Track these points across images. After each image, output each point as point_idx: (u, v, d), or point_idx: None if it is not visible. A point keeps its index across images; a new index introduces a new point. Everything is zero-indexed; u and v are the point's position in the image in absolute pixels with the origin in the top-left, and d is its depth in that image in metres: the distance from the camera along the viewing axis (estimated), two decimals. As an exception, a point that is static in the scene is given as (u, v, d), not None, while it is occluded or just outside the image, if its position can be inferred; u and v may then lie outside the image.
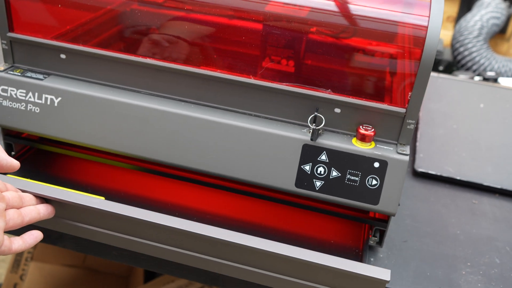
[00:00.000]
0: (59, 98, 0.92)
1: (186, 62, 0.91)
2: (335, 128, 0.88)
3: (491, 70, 1.83)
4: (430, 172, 1.21)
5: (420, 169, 1.21)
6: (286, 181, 0.88)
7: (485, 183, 1.20)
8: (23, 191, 0.81)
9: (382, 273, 0.78)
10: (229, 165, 0.89)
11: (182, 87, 0.91)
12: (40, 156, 1.05)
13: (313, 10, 0.90)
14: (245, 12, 0.92)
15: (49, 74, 0.96)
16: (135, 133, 0.91)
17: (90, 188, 0.98)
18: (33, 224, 0.81)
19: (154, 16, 0.95)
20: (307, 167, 0.87)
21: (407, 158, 0.84)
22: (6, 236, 0.73)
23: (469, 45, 1.86)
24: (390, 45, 0.88)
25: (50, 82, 0.93)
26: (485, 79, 1.72)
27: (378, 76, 0.90)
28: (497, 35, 2.08)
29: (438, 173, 1.21)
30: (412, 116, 0.84)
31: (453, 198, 1.17)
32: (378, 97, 0.87)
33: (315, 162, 0.86)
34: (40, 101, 0.93)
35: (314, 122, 0.87)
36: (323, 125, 0.87)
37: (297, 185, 0.87)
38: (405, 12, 0.85)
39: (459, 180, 1.21)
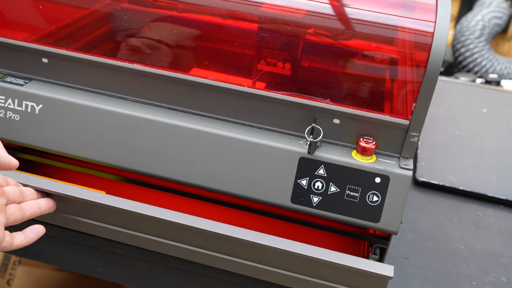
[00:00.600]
0: (41, 105, 0.87)
1: (175, 67, 0.86)
2: (333, 140, 0.83)
3: (493, 72, 1.78)
4: (432, 181, 1.16)
5: (421, 179, 1.16)
6: (282, 196, 0.82)
7: (489, 194, 1.15)
8: (24, 185, 0.80)
9: (385, 269, 0.75)
10: (220, 178, 0.83)
11: (171, 95, 0.86)
12: (21, 166, 0.99)
13: (309, 13, 0.84)
14: (238, 13, 0.86)
15: (30, 79, 0.90)
16: (121, 143, 0.85)
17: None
18: (34, 218, 0.79)
19: (141, 19, 0.89)
20: (304, 182, 0.81)
21: (410, 173, 0.79)
22: (7, 232, 0.71)
23: (471, 46, 1.81)
24: (393, 52, 0.82)
25: (31, 88, 0.87)
26: (487, 81, 1.67)
27: (380, 85, 0.85)
28: (498, 35, 2.03)
29: (441, 183, 1.16)
30: (416, 128, 0.79)
31: (456, 210, 1.12)
32: (380, 108, 0.82)
33: (312, 177, 0.81)
34: (20, 108, 0.87)
35: (311, 134, 0.81)
36: (321, 137, 0.81)
37: (293, 200, 0.82)
38: (409, 17, 0.80)
39: (462, 191, 1.16)
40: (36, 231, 0.76)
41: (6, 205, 0.72)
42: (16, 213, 0.73)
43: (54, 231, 0.89)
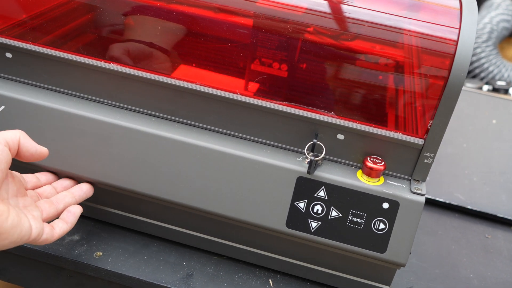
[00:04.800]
0: (2, 107, 0.76)
1: (158, 69, 0.75)
2: (337, 157, 0.73)
3: (500, 78, 1.69)
4: (438, 199, 1.07)
5: (427, 196, 1.07)
6: (275, 219, 0.72)
7: (499, 215, 1.06)
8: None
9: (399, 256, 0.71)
10: (206, 197, 0.73)
11: (153, 100, 0.76)
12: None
13: (310, 11, 0.74)
14: (231, 8, 0.76)
15: (-8, 76, 0.79)
16: (93, 153, 0.75)
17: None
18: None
19: (121, 11, 0.78)
20: (302, 204, 0.71)
21: (423, 199, 0.69)
22: (45, 224, 0.69)
23: (478, 50, 1.71)
24: (408, 60, 0.72)
25: (-7, 86, 0.77)
26: (495, 89, 1.57)
27: (391, 97, 0.74)
28: (505, 39, 1.94)
29: (447, 201, 1.07)
30: (431, 149, 0.69)
31: (463, 231, 1.02)
32: (391, 124, 0.72)
33: (312, 199, 0.71)
34: (-20, 109, 0.77)
35: (312, 151, 0.71)
36: (323, 155, 0.71)
37: (288, 225, 0.72)
38: (429, 21, 0.70)
39: (471, 210, 1.06)
40: (73, 213, 0.73)
41: (36, 202, 0.71)
42: (47, 208, 0.71)
43: (18, 249, 0.79)
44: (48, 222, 0.70)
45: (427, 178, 1.09)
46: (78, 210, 0.73)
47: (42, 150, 0.68)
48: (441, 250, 0.96)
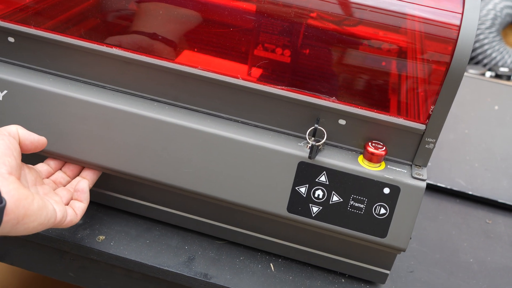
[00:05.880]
0: (5, 91, 0.76)
1: (160, 54, 0.75)
2: (338, 143, 0.73)
3: (503, 65, 1.68)
4: (439, 185, 1.07)
5: (428, 181, 1.07)
6: (277, 204, 0.73)
7: (500, 200, 1.06)
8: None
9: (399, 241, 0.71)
10: (208, 182, 0.74)
11: (156, 84, 0.76)
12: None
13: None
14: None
15: (-6, 61, 0.79)
16: (96, 138, 0.75)
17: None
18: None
19: (124, -4, 0.78)
20: (303, 189, 0.72)
21: (423, 184, 0.70)
22: (67, 206, 0.71)
23: (481, 37, 1.71)
24: (410, 45, 0.72)
25: (-4, 71, 0.77)
26: (498, 75, 1.57)
27: (393, 83, 0.74)
28: (508, 26, 1.93)
29: (449, 186, 1.07)
30: (433, 134, 0.69)
31: (464, 217, 1.03)
32: (392, 109, 0.72)
33: (313, 184, 0.71)
34: (-18, 94, 0.77)
35: (313, 136, 0.71)
36: (324, 140, 0.71)
37: (289, 209, 0.72)
38: (432, 7, 0.69)
39: (471, 195, 1.07)
40: (81, 190, 0.74)
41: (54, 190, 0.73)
42: (65, 194, 0.73)
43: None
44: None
45: (429, 164, 1.10)
46: (86, 184, 0.75)
47: (41, 138, 0.70)
48: (441, 235, 0.97)
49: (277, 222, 0.76)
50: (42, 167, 0.76)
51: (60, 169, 0.79)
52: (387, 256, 0.75)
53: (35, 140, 0.69)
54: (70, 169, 0.78)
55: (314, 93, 0.71)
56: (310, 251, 0.79)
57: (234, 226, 0.80)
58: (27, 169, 0.70)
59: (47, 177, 0.76)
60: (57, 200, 0.70)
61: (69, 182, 0.77)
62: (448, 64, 0.65)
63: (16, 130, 0.67)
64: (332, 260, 0.79)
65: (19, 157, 0.65)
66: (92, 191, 0.80)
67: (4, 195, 0.58)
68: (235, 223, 0.80)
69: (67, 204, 0.73)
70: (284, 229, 0.77)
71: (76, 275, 0.84)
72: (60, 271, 0.85)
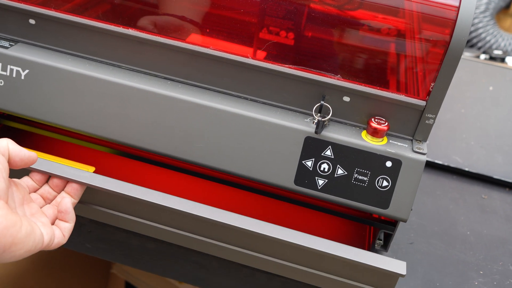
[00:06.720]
0: (27, 70, 0.80)
1: (173, 35, 0.79)
2: (342, 119, 0.77)
3: (497, 48, 1.72)
4: (437, 161, 1.11)
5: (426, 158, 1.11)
6: (284, 177, 0.77)
7: (496, 176, 1.11)
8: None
9: (396, 266, 0.70)
10: (219, 156, 0.78)
11: (169, 64, 0.79)
12: (8, 133, 0.93)
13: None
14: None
15: (16, 42, 0.83)
16: (112, 114, 0.79)
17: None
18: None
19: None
20: (309, 163, 0.76)
21: (424, 157, 0.74)
22: (54, 227, 0.69)
23: (475, 21, 1.75)
24: (411, 25, 0.76)
25: (17, 51, 0.80)
26: (492, 57, 1.61)
27: (395, 61, 0.78)
28: (501, 10, 1.97)
29: (446, 163, 1.11)
30: (433, 110, 0.74)
31: (461, 192, 1.07)
32: (394, 86, 0.76)
33: (319, 158, 0.75)
34: (4, 73, 0.80)
35: (319, 112, 0.76)
36: (330, 116, 0.75)
37: (296, 182, 0.77)
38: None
39: (468, 172, 1.11)
40: (65, 210, 0.70)
41: (42, 207, 0.71)
42: (51, 214, 0.70)
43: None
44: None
45: (427, 142, 1.14)
46: (69, 204, 0.70)
47: (32, 155, 0.67)
48: (439, 210, 1.01)
49: (277, 243, 0.74)
50: (28, 181, 0.73)
51: (46, 182, 0.74)
52: (388, 279, 0.73)
53: (25, 156, 0.66)
54: (54, 184, 0.74)
55: (320, 71, 0.75)
56: (310, 271, 0.77)
57: (222, 242, 0.79)
58: (15, 187, 0.67)
59: (34, 191, 0.73)
60: (44, 222, 0.67)
61: (55, 197, 0.74)
62: (447, 43, 0.69)
63: (6, 145, 0.64)
64: (332, 280, 0.77)
65: (7, 176, 0.62)
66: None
67: None
68: (223, 241, 0.79)
69: (54, 222, 0.70)
70: (284, 250, 0.76)
71: (93, 246, 0.88)
72: (77, 243, 0.89)
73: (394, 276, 0.70)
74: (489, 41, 1.74)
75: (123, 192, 0.73)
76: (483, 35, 1.74)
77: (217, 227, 0.75)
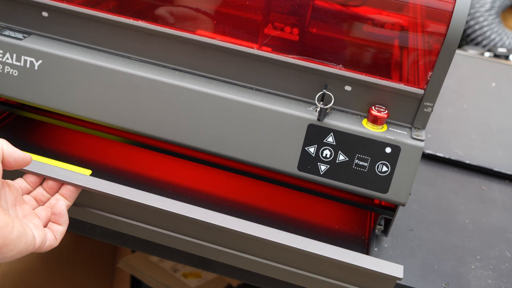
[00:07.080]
0: (40, 61, 0.83)
1: (181, 26, 0.82)
2: (344, 107, 0.80)
3: (502, 46, 1.74)
4: (438, 154, 1.14)
5: (427, 151, 1.14)
6: (288, 163, 0.80)
7: (495, 169, 1.13)
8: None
9: (394, 269, 0.71)
10: (225, 143, 0.81)
11: (177, 55, 0.83)
12: (21, 123, 0.97)
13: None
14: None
15: (29, 34, 0.86)
16: (123, 104, 0.82)
17: (75, 159, 0.90)
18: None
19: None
20: (312, 149, 0.79)
21: (422, 144, 0.77)
22: (47, 229, 0.69)
23: (480, 19, 1.77)
24: (409, 18, 0.79)
25: (30, 43, 0.84)
26: (496, 55, 1.64)
27: (394, 52, 0.81)
28: (507, 9, 1.99)
29: (447, 156, 1.14)
30: (430, 99, 0.76)
31: (461, 183, 1.10)
32: (394, 76, 0.79)
33: (321, 144, 0.78)
34: (18, 64, 0.84)
35: (322, 100, 0.78)
36: (332, 104, 0.78)
37: (299, 168, 0.80)
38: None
39: (468, 164, 1.14)
40: (59, 213, 0.69)
41: (34, 209, 0.71)
42: (44, 215, 0.70)
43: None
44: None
45: (428, 135, 1.17)
46: (63, 206, 0.70)
47: (26, 156, 0.66)
48: (439, 199, 1.04)
49: (273, 246, 0.74)
50: (21, 183, 0.72)
51: (40, 184, 0.74)
52: (385, 282, 0.73)
53: (19, 158, 0.65)
54: (49, 186, 0.74)
55: (322, 61, 0.78)
56: (307, 275, 0.78)
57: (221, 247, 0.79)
58: (7, 188, 0.67)
59: (27, 193, 0.72)
60: (36, 223, 0.67)
61: (49, 199, 0.73)
62: (444, 34, 0.71)
63: (0, 146, 0.64)
64: (329, 284, 0.77)
65: (0, 177, 0.62)
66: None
67: None
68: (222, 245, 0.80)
69: (47, 225, 0.70)
70: (282, 253, 0.77)
71: (103, 231, 0.91)
72: (87, 228, 0.92)
73: (391, 280, 0.72)
74: (494, 39, 1.76)
75: (119, 194, 0.74)
76: (487, 33, 1.77)
77: (213, 230, 0.76)
